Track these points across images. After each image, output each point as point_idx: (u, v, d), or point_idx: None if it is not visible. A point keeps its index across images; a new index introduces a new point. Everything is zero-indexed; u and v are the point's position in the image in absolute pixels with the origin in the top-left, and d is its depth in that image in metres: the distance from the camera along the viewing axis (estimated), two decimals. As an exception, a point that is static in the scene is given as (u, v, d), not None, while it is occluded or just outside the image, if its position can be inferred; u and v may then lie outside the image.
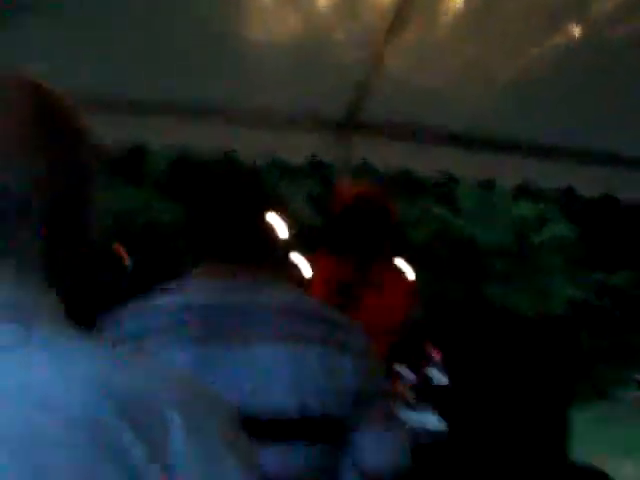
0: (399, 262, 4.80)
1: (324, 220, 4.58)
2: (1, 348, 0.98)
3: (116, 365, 1.00)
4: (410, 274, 4.95)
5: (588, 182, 5.56)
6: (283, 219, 2.17)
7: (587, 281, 28.30)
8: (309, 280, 4.84)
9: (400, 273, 4.77)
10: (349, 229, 4.42)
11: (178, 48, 4.74)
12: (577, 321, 22.77)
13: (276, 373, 2.01)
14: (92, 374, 0.95)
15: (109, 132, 5.18)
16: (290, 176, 25.87)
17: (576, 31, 4.54)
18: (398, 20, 4.60)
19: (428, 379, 10.51)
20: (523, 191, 7.29)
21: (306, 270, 4.89)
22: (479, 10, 4.52)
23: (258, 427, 1.99)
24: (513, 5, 4.47)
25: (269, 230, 2.22)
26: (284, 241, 2.21)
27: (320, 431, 2.05)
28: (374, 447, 2.12)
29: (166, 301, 2.08)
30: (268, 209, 2.24)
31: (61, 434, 0.90)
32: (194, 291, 2.10)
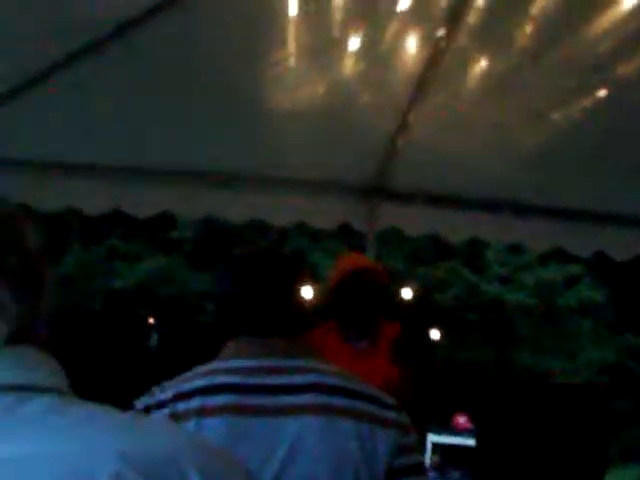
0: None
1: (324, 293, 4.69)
2: (30, 416, 1.02)
3: (137, 434, 1.04)
4: (434, 336, 4.98)
5: (618, 245, 5.53)
6: (313, 288, 2.19)
7: (616, 344, 28.08)
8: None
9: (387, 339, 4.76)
10: (343, 306, 4.54)
11: (207, 115, 4.78)
12: (608, 385, 22.56)
13: (309, 444, 2.00)
14: (115, 445, 0.99)
15: (140, 199, 5.22)
16: (319, 242, 25.96)
17: (601, 94, 4.54)
18: (423, 86, 4.63)
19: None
20: (552, 253, 7.27)
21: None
22: (504, 76, 4.54)
23: None
24: (536, 70, 4.48)
25: (301, 302, 2.23)
26: (314, 310, 2.23)
27: None
28: None
29: (202, 381, 2.09)
30: (299, 279, 2.25)
31: None
32: (229, 372, 2.10)
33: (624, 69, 4.35)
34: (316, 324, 4.44)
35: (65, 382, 1.10)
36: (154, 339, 23.90)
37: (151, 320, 24.48)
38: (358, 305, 4.51)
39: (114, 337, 22.46)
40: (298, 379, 2.09)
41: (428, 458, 8.63)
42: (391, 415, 2.12)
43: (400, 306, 4.72)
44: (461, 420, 13.99)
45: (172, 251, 26.16)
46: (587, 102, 4.63)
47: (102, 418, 1.05)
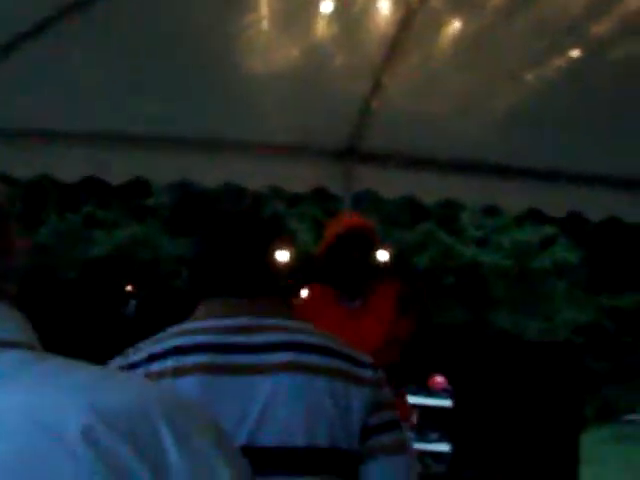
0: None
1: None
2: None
3: (109, 387, 1.04)
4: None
5: (593, 205, 5.55)
6: (288, 249, 2.19)
7: (592, 304, 28.28)
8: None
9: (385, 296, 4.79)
10: (335, 268, 4.58)
11: (178, 79, 4.76)
12: (582, 345, 22.73)
13: (283, 402, 2.01)
14: (86, 398, 0.99)
15: (112, 165, 5.20)
16: (295, 205, 25.95)
17: (574, 54, 4.55)
18: (396, 48, 4.62)
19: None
20: (528, 215, 7.27)
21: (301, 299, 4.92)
22: (477, 36, 4.54)
23: (263, 456, 1.98)
24: (510, 30, 4.49)
25: (275, 262, 2.23)
26: (289, 271, 2.22)
27: (327, 463, 2.03)
28: (384, 479, 2.11)
29: (175, 341, 2.09)
30: (274, 241, 2.25)
31: (61, 458, 0.93)
32: (202, 331, 2.10)
33: (597, 29, 4.36)
34: (296, 286, 4.48)
35: (35, 338, 1.11)
36: (132, 305, 23.89)
37: (129, 287, 24.46)
38: (350, 264, 4.54)
39: (92, 305, 22.45)
40: (271, 337, 2.09)
41: (406, 419, 8.67)
42: (366, 373, 2.12)
43: (380, 268, 4.77)
44: (438, 381, 14.12)
45: (149, 218, 26.11)
46: (560, 62, 4.63)
47: (73, 371, 1.06)
